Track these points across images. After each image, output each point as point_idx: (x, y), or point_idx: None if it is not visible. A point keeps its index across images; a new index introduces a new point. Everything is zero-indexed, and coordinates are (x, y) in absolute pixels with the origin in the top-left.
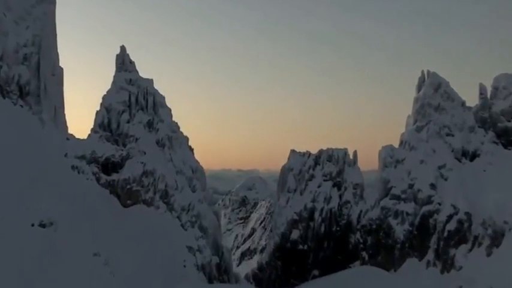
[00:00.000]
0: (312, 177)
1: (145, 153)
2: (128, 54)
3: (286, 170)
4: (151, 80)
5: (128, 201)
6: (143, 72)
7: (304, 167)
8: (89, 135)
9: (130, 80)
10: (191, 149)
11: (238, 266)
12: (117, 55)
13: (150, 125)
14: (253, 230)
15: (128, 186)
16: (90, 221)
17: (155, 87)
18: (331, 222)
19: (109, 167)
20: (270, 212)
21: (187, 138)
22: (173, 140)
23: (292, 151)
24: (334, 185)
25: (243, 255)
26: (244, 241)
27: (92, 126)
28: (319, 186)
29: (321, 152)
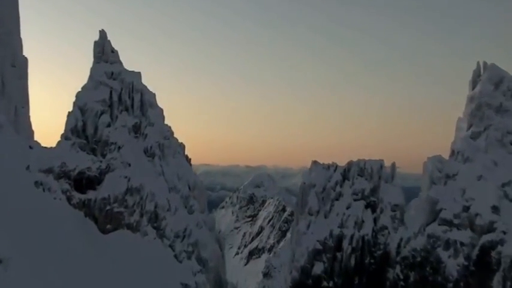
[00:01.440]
0: (339, 195)
1: (129, 165)
2: (109, 41)
3: (306, 186)
4: (139, 73)
5: (108, 226)
6: (129, 64)
7: (330, 183)
8: (59, 142)
9: (112, 73)
10: (188, 160)
11: (246, 265)
12: (95, 42)
13: (136, 129)
14: (261, 229)
15: (108, 207)
16: (57, 254)
17: (143, 83)
18: (363, 253)
19: (84, 183)
20: (279, 210)
21: (183, 146)
22: (165, 149)
23: (314, 163)
24: (367, 206)
25: (250, 254)
26: (252, 239)
27: (62, 131)
28: (348, 208)
29: (350, 164)
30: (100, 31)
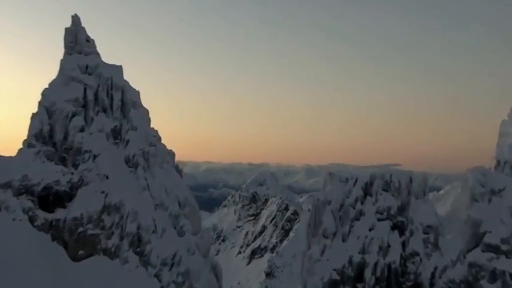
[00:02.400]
0: (360, 214)
1: (107, 177)
2: (83, 28)
3: (320, 203)
4: (120, 67)
5: (80, 252)
6: (107, 56)
7: (349, 199)
8: (20, 150)
9: (87, 66)
10: (179, 170)
11: (248, 264)
12: (66, 29)
13: (116, 134)
14: (264, 228)
15: (80, 229)
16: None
17: (125, 79)
18: (389, 284)
19: (50, 199)
20: (281, 209)
21: (172, 154)
22: (151, 157)
23: (330, 175)
24: (394, 227)
25: (253, 253)
26: (255, 239)
27: (24, 137)
28: (371, 229)
29: (373, 176)
30: (72, 16)
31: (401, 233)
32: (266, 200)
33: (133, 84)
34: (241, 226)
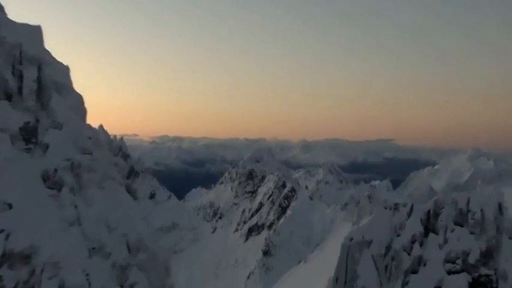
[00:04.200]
0: (419, 264)
1: (10, 206)
2: None
3: (354, 246)
4: (37, 28)
5: None
6: (18, 13)
7: (401, 239)
8: None
9: None
10: (131, 191)
11: (245, 241)
12: None
13: (28, 136)
14: (261, 205)
15: None
16: None
17: (46, 48)
18: None
19: None
20: (278, 186)
21: (123, 165)
22: (85, 172)
23: (369, 198)
24: (475, 285)
25: (250, 231)
26: (252, 216)
27: None
28: None
29: (439, 203)
30: None
31: None
32: (263, 177)
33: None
34: (238, 203)
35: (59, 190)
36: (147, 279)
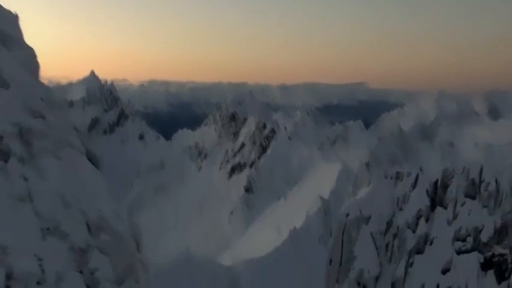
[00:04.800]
0: (424, 242)
1: None
2: None
3: (352, 222)
4: None
5: None
6: None
7: (403, 214)
8: None
9: None
10: (94, 158)
11: (229, 179)
12: None
13: None
14: (243, 145)
15: None
16: None
17: None
18: None
19: None
20: (259, 127)
21: (83, 131)
22: (36, 139)
23: (367, 166)
24: (487, 265)
25: (233, 169)
26: (235, 155)
27: None
28: (446, 271)
29: (448, 172)
30: None
31: (501, 277)
32: (245, 119)
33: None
34: (221, 144)
35: (6, 161)
36: (111, 264)
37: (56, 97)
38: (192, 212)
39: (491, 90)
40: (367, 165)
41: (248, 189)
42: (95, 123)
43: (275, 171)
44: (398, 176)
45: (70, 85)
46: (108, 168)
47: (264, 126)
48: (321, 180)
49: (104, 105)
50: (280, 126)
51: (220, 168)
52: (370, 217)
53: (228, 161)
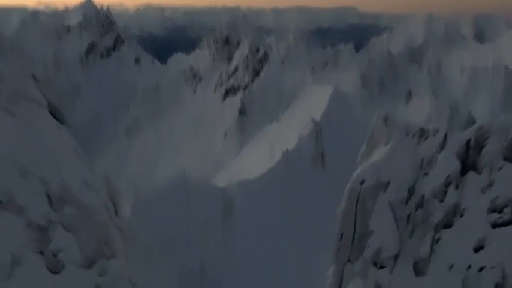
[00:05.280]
0: (453, 214)
1: None
2: None
3: (367, 190)
4: None
5: None
6: None
7: (428, 180)
8: None
9: None
10: (59, 115)
11: (223, 102)
12: None
13: None
14: (237, 68)
15: None
16: None
17: None
18: None
19: None
20: (252, 51)
21: (44, 82)
22: None
23: (385, 121)
24: None
25: (227, 92)
26: (228, 78)
27: None
28: (479, 248)
29: (483, 129)
30: None
31: None
32: (238, 43)
33: None
34: (215, 67)
35: None
36: (78, 243)
37: (7, 41)
38: (187, 135)
39: (478, 13)
40: (385, 120)
41: (242, 112)
42: (91, 48)
43: (268, 94)
44: (422, 134)
45: (67, 11)
46: (105, 92)
47: (257, 50)
48: (313, 103)
49: (100, 30)
50: (273, 50)
51: (215, 91)
52: (388, 183)
53: (222, 84)
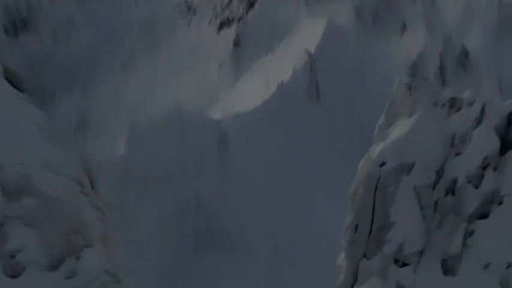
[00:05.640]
0: (490, 201)
1: None
2: None
3: (387, 174)
4: None
5: None
6: None
7: (460, 161)
8: None
9: None
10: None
11: (218, 34)
12: None
13: None
14: (231, 0)
15: None
16: None
17: None
18: None
19: None
20: None
21: None
22: None
23: (407, 85)
24: None
25: (221, 24)
26: (223, 10)
27: None
28: None
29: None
30: None
31: None
32: None
33: None
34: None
35: None
36: (40, 240)
37: None
38: (183, 67)
39: None
40: (409, 86)
41: (236, 44)
42: None
43: (263, 26)
44: (453, 104)
45: None
46: (100, 25)
47: None
48: (307, 35)
49: None
50: None
51: (209, 23)
52: (413, 164)
53: (216, 17)
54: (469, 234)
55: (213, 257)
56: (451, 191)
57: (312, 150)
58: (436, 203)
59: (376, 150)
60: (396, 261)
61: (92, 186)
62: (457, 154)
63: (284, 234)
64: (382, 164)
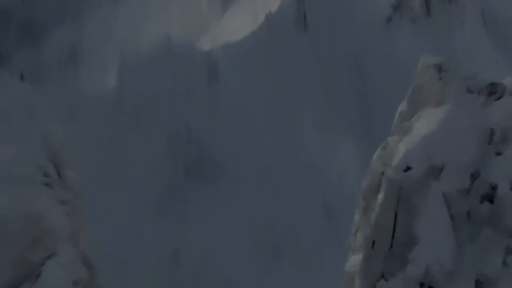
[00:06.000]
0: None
1: None
2: None
3: (412, 182)
4: None
5: None
6: None
7: (504, 166)
8: None
9: None
10: None
11: None
12: None
13: None
14: None
15: None
16: None
17: None
18: None
19: None
20: None
21: None
22: None
23: (442, 77)
24: None
25: None
26: None
27: None
28: None
29: None
30: None
31: None
32: None
33: None
34: None
35: None
36: None
37: None
38: None
39: None
40: (439, 68)
41: None
42: None
43: None
44: (493, 91)
45: None
46: None
47: None
48: None
49: None
50: None
51: None
52: (443, 167)
53: None
54: (510, 251)
55: (204, 186)
56: (489, 198)
57: (300, 78)
58: (468, 214)
59: (397, 149)
60: (422, 285)
61: (59, 174)
62: (498, 154)
63: (273, 162)
64: (407, 169)
